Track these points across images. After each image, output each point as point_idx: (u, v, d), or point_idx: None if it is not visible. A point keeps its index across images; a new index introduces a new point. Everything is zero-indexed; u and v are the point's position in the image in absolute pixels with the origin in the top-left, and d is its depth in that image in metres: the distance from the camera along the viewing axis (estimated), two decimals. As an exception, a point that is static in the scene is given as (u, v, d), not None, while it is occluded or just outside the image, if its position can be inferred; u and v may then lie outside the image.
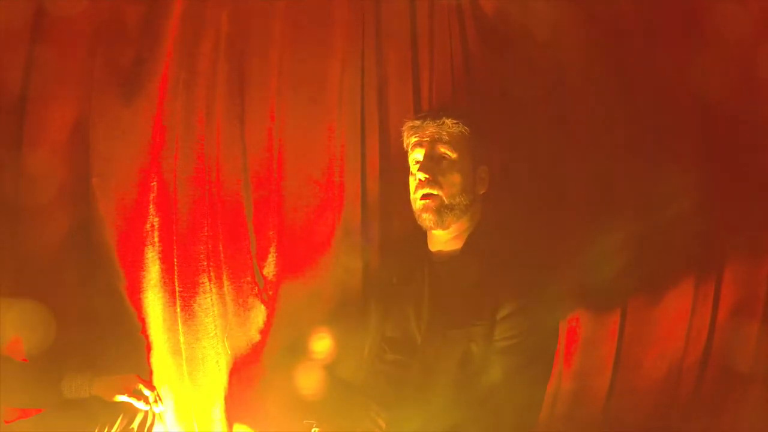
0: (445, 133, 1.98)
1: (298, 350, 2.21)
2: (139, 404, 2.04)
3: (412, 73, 2.27)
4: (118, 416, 2.01)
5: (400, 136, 2.15)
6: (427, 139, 2.00)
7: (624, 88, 2.25)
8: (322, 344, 2.20)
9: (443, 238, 2.03)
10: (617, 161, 2.25)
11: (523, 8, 2.25)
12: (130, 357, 2.23)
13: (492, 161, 2.05)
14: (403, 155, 2.13)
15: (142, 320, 2.25)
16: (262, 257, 2.30)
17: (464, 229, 2.02)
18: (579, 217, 2.26)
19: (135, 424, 2.04)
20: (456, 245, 2.02)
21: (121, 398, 2.01)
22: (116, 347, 2.21)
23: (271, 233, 2.30)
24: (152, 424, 2.07)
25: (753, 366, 2.26)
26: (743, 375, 2.26)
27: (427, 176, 1.96)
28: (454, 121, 1.98)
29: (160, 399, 2.10)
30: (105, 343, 2.21)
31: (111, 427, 2.00)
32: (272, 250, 2.29)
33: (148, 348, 2.25)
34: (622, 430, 2.29)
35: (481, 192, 2.03)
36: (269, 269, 2.30)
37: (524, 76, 2.25)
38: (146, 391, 2.06)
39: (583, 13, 2.23)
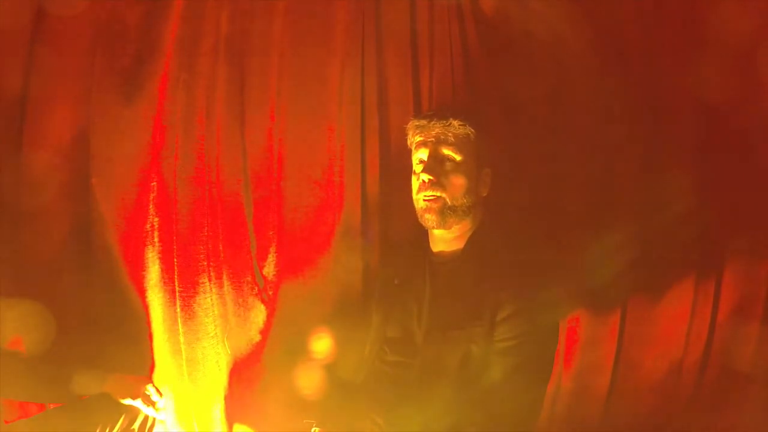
0: (450, 135, 1.96)
1: (298, 350, 2.21)
2: (149, 410, 2.04)
3: (412, 73, 2.26)
4: (119, 416, 2.02)
5: (400, 136, 2.14)
6: (432, 139, 1.98)
7: (624, 89, 2.24)
8: (322, 344, 2.21)
9: (445, 239, 2.02)
10: (617, 161, 2.25)
11: (524, 8, 2.24)
12: (130, 356, 2.23)
13: (492, 162, 2.04)
14: (404, 155, 2.13)
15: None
16: (262, 257, 2.30)
17: (466, 230, 2.01)
18: (579, 217, 2.25)
19: (136, 425, 2.05)
20: (457, 246, 2.01)
21: (128, 402, 2.01)
22: (116, 347, 2.21)
23: (271, 233, 2.30)
24: (153, 425, 2.08)
25: (753, 366, 2.26)
26: (743, 375, 2.26)
27: (431, 178, 1.95)
28: (461, 123, 1.96)
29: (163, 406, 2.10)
30: (104, 343, 2.21)
31: (112, 427, 2.00)
32: (272, 250, 2.30)
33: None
34: (622, 430, 2.29)
35: (484, 194, 2.02)
36: (269, 269, 2.30)
37: (524, 77, 2.25)
38: (155, 397, 2.06)
39: (583, 14, 2.23)
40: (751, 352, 2.26)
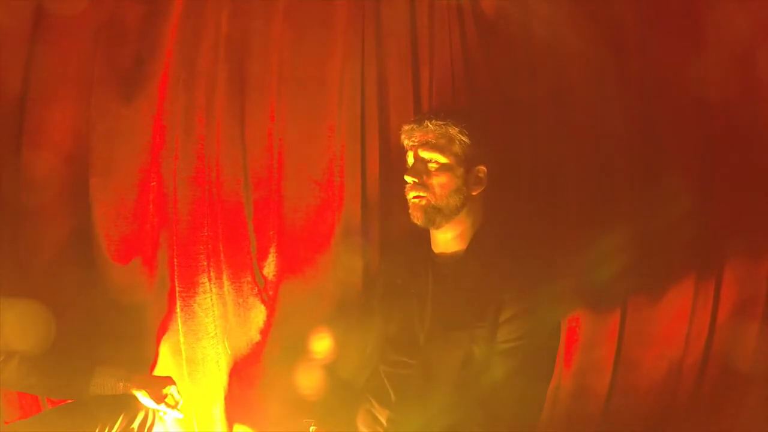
0: (431, 137, 1.98)
1: (298, 350, 2.21)
2: (173, 412, 2.06)
3: (412, 73, 2.27)
4: (118, 415, 2.01)
5: (400, 137, 2.14)
6: (415, 143, 2.01)
7: (624, 88, 2.25)
8: (322, 344, 2.21)
9: (445, 239, 2.02)
10: (617, 161, 2.25)
11: (524, 8, 2.24)
12: (130, 356, 2.23)
13: (492, 162, 2.04)
14: (403, 155, 2.12)
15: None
16: (262, 257, 2.30)
17: (465, 229, 2.01)
18: (580, 217, 2.26)
19: (135, 424, 2.04)
20: (458, 246, 2.01)
21: (150, 403, 2.02)
22: (116, 346, 2.21)
23: (271, 233, 2.30)
24: (152, 424, 2.08)
25: (753, 366, 2.26)
26: (743, 375, 2.26)
27: (415, 180, 1.98)
28: (439, 124, 1.97)
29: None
30: (105, 342, 2.21)
31: (111, 427, 2.00)
32: (272, 250, 2.29)
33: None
34: (622, 430, 2.29)
35: (475, 192, 2.01)
36: (269, 269, 2.30)
37: (524, 77, 2.25)
38: (178, 396, 2.08)
39: (583, 14, 2.23)
40: (751, 352, 2.26)
